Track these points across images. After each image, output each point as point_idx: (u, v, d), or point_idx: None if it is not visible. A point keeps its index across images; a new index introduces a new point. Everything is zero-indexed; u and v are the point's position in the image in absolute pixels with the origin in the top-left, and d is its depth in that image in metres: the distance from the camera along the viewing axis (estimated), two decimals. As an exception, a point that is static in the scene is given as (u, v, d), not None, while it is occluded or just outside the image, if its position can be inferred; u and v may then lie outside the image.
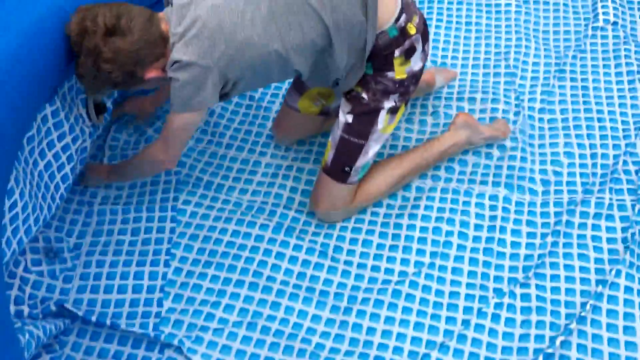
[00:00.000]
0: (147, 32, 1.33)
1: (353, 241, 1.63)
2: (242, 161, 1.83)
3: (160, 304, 1.52)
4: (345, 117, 1.53)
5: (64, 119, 1.46)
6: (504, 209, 1.66)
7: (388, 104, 1.51)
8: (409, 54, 1.47)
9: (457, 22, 2.18)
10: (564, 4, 2.20)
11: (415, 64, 1.49)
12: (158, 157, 1.48)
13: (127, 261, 1.60)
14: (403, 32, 1.44)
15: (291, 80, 1.75)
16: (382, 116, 1.51)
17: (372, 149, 1.55)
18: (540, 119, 1.87)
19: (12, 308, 1.45)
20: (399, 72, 1.48)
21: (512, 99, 1.93)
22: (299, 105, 1.73)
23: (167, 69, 1.36)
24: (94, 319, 1.45)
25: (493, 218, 1.64)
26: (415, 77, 1.52)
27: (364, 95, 1.50)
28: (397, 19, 1.43)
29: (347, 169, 1.55)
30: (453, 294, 1.51)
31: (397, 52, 1.45)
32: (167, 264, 1.58)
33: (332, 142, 1.57)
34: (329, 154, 1.57)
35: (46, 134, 1.42)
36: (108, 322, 1.45)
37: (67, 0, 1.39)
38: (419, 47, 1.48)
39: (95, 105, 1.58)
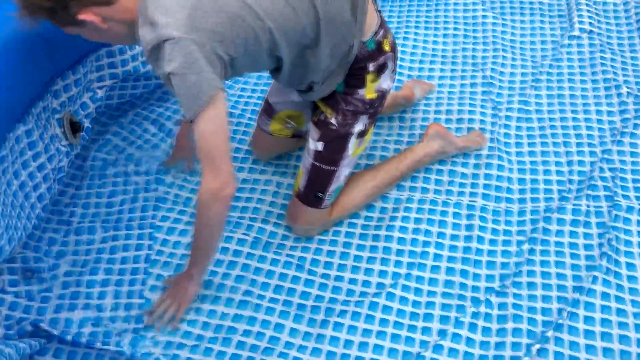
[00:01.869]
0: None
1: (330, 253, 1.63)
2: (221, 177, 1.83)
3: (138, 321, 1.52)
4: (315, 144, 1.52)
5: (39, 139, 1.47)
6: (481, 218, 1.66)
7: (357, 127, 1.50)
8: (380, 70, 1.46)
9: (434, 35, 2.20)
10: (541, 15, 2.22)
11: (384, 82, 1.49)
12: (213, 188, 1.26)
13: (105, 280, 1.59)
14: (379, 47, 1.44)
15: (265, 85, 1.70)
16: (352, 141, 1.51)
17: (343, 174, 1.55)
18: (518, 127, 1.88)
19: (-13, 329, 1.45)
20: (369, 90, 1.47)
21: (488, 109, 1.94)
22: (271, 129, 1.73)
23: (146, 56, 1.20)
24: (69, 338, 1.44)
25: (470, 227, 1.64)
26: (384, 97, 1.52)
27: (333, 121, 1.49)
28: (376, 33, 1.42)
29: (319, 194, 1.55)
30: (430, 304, 1.50)
31: (371, 67, 1.44)
32: (144, 283, 1.58)
33: (304, 170, 1.56)
34: (301, 180, 1.57)
35: (20, 153, 1.43)
36: (84, 340, 1.44)
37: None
38: (390, 65, 1.48)
39: (72, 124, 1.59)
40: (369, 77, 1.45)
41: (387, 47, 1.45)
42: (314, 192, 1.55)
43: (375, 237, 1.65)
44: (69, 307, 1.54)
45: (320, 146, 1.51)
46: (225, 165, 1.26)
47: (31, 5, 1.17)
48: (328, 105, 1.49)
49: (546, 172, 1.75)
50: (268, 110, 1.72)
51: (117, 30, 1.25)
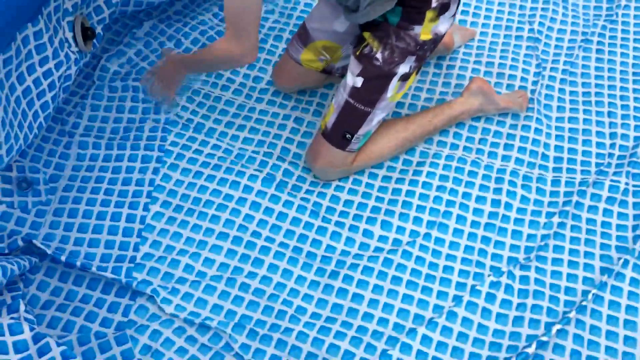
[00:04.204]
0: None
1: (348, 203, 1.53)
2: (239, 106, 1.71)
3: (136, 248, 1.43)
4: (353, 79, 1.39)
5: (48, 42, 1.33)
6: (511, 183, 1.55)
7: (403, 68, 1.36)
8: (443, 10, 1.32)
9: (482, -22, 2.02)
10: (599, -31, 2.04)
11: (442, 24, 1.35)
12: (233, 51, 1.33)
13: (104, 201, 1.50)
14: None
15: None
16: (394, 83, 1.38)
17: (377, 117, 1.43)
18: (561, 90, 1.74)
19: (-23, 239, 1.35)
20: (426, 30, 1.33)
21: (532, 66, 1.79)
22: (302, 57, 1.60)
23: None
24: (63, 258, 1.35)
25: (498, 191, 1.54)
26: (436, 42, 1.38)
27: (378, 56, 1.35)
28: None
29: (348, 135, 1.43)
30: (447, 269, 1.42)
31: (434, 2, 1.29)
32: (146, 208, 1.48)
33: (336, 105, 1.44)
34: (331, 118, 1.45)
35: (27, 56, 1.29)
36: (78, 263, 1.36)
37: None
38: (452, 8, 1.34)
39: (83, 29, 1.45)
40: (429, 15, 1.31)
41: None
42: (342, 132, 1.44)
43: (396, 191, 1.54)
44: (65, 226, 1.45)
45: (359, 82, 1.38)
46: (252, 37, 1.30)
47: None
48: (376, 37, 1.35)
49: (586, 142, 1.64)
50: (303, 37, 1.57)
51: None
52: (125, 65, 1.76)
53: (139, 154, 1.58)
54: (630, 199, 1.50)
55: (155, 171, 1.55)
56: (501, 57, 1.81)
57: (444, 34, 1.39)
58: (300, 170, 1.58)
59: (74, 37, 1.41)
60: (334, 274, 1.41)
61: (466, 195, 1.53)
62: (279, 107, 1.71)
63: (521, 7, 1.94)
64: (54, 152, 1.57)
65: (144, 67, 1.75)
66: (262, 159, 1.60)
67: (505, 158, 1.60)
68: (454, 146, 1.62)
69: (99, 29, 1.51)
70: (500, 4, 1.95)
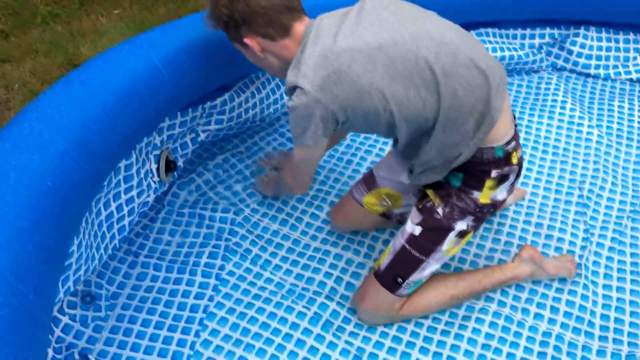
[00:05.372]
0: (276, 12, 1.31)
1: (391, 351, 1.55)
2: (294, 241, 1.80)
3: (182, 374, 1.47)
4: (413, 227, 1.48)
5: (135, 173, 1.47)
6: (555, 348, 1.55)
7: (461, 225, 1.45)
8: (502, 180, 1.42)
9: (534, 141, 2.14)
10: (648, 143, 2.14)
11: (501, 192, 1.44)
12: (288, 180, 1.62)
13: (159, 323, 1.57)
14: (507, 157, 1.40)
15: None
16: (451, 237, 1.46)
17: (429, 268, 1.49)
18: (609, 258, 1.78)
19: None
20: (485, 196, 1.43)
21: (580, 231, 1.84)
22: (364, 200, 1.71)
23: (286, 88, 1.32)
24: (114, 377, 1.41)
25: (542, 355, 1.54)
26: (495, 207, 1.47)
27: (439, 210, 1.45)
28: (508, 143, 1.39)
29: (399, 279, 1.49)
30: None
31: (493, 173, 1.40)
32: (197, 334, 1.54)
33: (392, 249, 1.52)
34: (385, 259, 1.52)
35: (115, 185, 1.43)
36: (127, 383, 1.40)
37: (159, 58, 1.43)
38: (512, 178, 1.44)
39: (167, 162, 1.59)
40: (488, 183, 1.41)
41: (514, 160, 1.41)
42: (394, 275, 1.50)
43: (441, 344, 1.56)
44: (119, 344, 1.51)
45: (417, 230, 1.46)
46: (305, 179, 1.57)
47: (214, 13, 1.35)
48: (438, 195, 1.46)
49: (633, 314, 1.64)
50: (369, 181, 1.69)
51: (271, 62, 1.40)
52: (194, 193, 1.90)
53: (196, 279, 1.66)
54: (680, 380, 1.47)
55: (210, 298, 1.62)
56: (551, 220, 1.88)
57: (503, 202, 1.47)
58: (346, 311, 1.63)
59: (158, 169, 1.56)
60: None
61: (510, 355, 1.53)
62: (332, 245, 1.79)
63: (571, 172, 2.03)
64: (118, 270, 1.67)
65: (211, 197, 1.88)
66: (311, 296, 1.66)
67: (551, 321, 1.61)
68: (501, 303, 1.65)
69: (180, 162, 1.66)
70: (550, 167, 2.05)
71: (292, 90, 1.30)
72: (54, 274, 1.08)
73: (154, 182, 1.54)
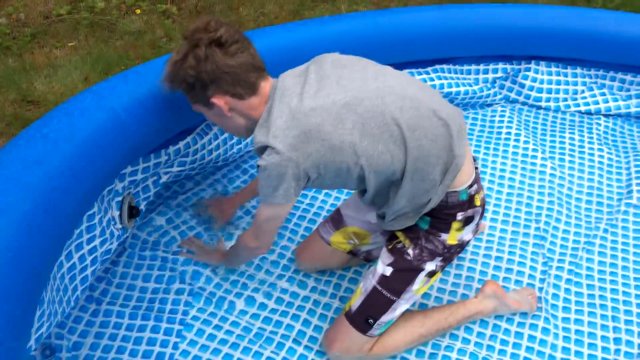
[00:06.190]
0: (244, 72, 1.30)
1: (360, 393, 1.55)
2: (260, 281, 1.79)
3: None
4: (384, 268, 1.50)
5: (97, 222, 1.44)
6: (521, 384, 1.59)
7: (430, 266, 1.48)
8: (467, 221, 1.47)
9: (490, 174, 2.20)
10: (599, 175, 2.22)
11: (467, 233, 1.49)
12: (250, 244, 1.51)
13: (124, 374, 1.53)
14: (471, 200, 1.44)
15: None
16: (421, 277, 1.49)
17: (400, 307, 1.51)
18: (567, 290, 1.83)
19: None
20: (452, 237, 1.47)
21: (539, 264, 1.90)
22: (332, 239, 1.72)
23: (254, 149, 1.32)
24: None
25: (508, 392, 1.57)
26: (462, 247, 1.51)
27: (410, 251, 1.48)
28: (471, 186, 1.44)
29: (370, 320, 1.51)
30: None
31: (459, 216, 1.45)
32: (164, 384, 1.51)
33: (363, 290, 1.53)
34: (356, 301, 1.53)
35: (77, 236, 1.40)
36: None
37: (121, 106, 1.41)
38: (476, 219, 1.49)
39: (129, 208, 1.57)
40: (454, 225, 1.45)
41: (477, 202, 1.46)
42: (365, 316, 1.51)
43: (409, 383, 1.57)
44: (82, 398, 1.47)
45: (388, 271, 1.49)
46: (268, 238, 1.48)
47: (178, 75, 1.31)
48: (408, 237, 1.49)
49: (591, 345, 1.69)
50: (336, 220, 1.71)
51: (237, 121, 1.39)
52: (154, 234, 1.86)
53: (161, 325, 1.63)
54: (638, 411, 1.52)
55: (175, 346, 1.59)
56: (510, 253, 1.93)
57: (469, 242, 1.51)
58: (314, 354, 1.62)
59: (120, 216, 1.53)
60: None
61: (477, 393, 1.56)
62: (299, 286, 1.79)
63: (527, 205, 2.09)
64: (80, 319, 1.62)
65: (173, 237, 1.85)
66: (279, 340, 1.65)
67: (514, 356, 1.65)
68: (466, 340, 1.68)
69: (142, 206, 1.64)
70: (507, 200, 2.11)
71: (262, 150, 1.30)
72: (20, 342, 1.04)
73: (117, 229, 1.51)
